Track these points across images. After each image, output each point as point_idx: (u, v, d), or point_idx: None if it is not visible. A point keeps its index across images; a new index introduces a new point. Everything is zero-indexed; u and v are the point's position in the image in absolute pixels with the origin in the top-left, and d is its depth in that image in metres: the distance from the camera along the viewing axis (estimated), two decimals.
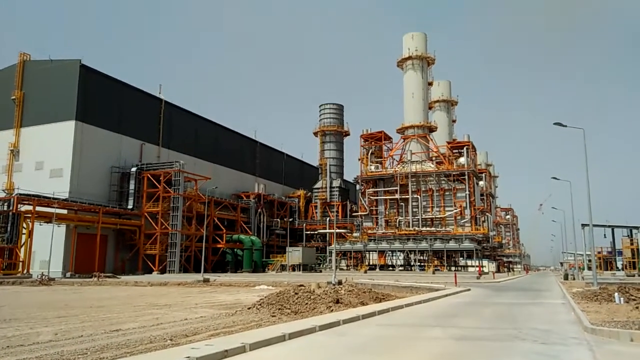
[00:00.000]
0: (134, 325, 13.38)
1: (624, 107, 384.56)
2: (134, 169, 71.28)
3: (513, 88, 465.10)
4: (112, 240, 68.56)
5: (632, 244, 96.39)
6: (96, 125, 68.17)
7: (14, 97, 69.44)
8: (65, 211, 60.46)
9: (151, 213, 70.91)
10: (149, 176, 71.40)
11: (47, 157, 65.62)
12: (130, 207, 69.89)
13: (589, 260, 58.16)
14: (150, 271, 67.72)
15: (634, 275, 63.82)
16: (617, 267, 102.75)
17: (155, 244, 69.36)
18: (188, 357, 7.89)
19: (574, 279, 57.28)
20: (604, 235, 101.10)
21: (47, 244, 52.17)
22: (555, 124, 32.10)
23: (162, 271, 68.17)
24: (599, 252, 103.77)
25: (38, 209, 56.00)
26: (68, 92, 66.24)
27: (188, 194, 74.43)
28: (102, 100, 69.72)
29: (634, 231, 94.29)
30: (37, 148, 66.27)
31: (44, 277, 43.81)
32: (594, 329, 11.82)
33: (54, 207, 56.05)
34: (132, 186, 70.59)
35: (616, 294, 20.38)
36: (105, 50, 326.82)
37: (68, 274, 56.96)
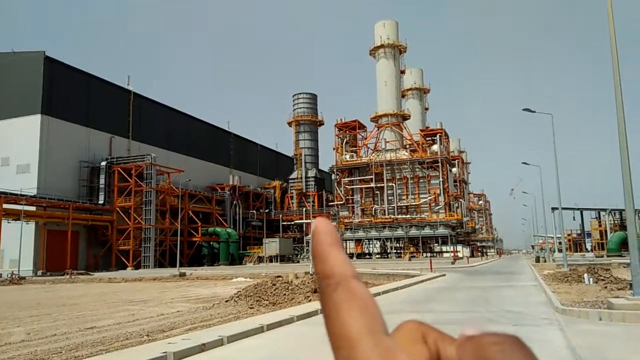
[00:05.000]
0: (109, 322, 13.16)
1: (591, 90, 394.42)
2: (103, 163, 69.65)
3: (484, 74, 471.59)
4: (84, 236, 67.13)
5: (600, 225, 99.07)
6: (63, 119, 66.31)
7: None
8: (33, 208, 58.86)
9: (123, 208, 69.60)
10: (120, 170, 69.96)
11: (13, 152, 63.70)
12: (101, 202, 68.45)
13: (560, 243, 59.84)
14: (124, 267, 66.67)
15: (602, 256, 65.88)
16: (587, 249, 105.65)
17: (129, 240, 68.21)
18: (165, 352, 7.81)
19: (545, 261, 58.84)
20: (573, 218, 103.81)
21: (16, 242, 50.74)
22: (524, 109, 32.58)
23: (137, 267, 67.20)
24: (568, 235, 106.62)
25: (5, 206, 54.46)
26: (33, 85, 64.18)
27: (161, 188, 73.27)
28: (69, 93, 67.71)
29: (602, 213, 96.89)
30: (3, 144, 64.12)
31: (14, 276, 42.69)
32: (564, 309, 12.17)
33: (21, 204, 54.50)
34: (102, 181, 69.03)
35: (585, 274, 21.04)
36: (69, 41, 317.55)
37: (39, 273, 55.69)
